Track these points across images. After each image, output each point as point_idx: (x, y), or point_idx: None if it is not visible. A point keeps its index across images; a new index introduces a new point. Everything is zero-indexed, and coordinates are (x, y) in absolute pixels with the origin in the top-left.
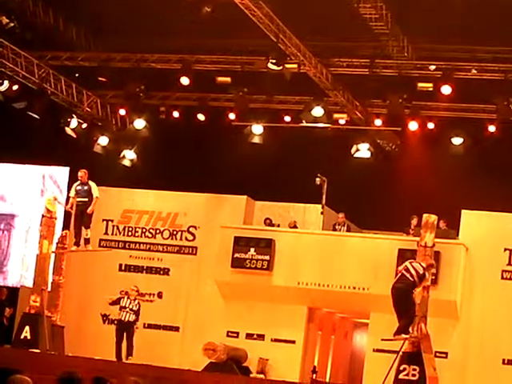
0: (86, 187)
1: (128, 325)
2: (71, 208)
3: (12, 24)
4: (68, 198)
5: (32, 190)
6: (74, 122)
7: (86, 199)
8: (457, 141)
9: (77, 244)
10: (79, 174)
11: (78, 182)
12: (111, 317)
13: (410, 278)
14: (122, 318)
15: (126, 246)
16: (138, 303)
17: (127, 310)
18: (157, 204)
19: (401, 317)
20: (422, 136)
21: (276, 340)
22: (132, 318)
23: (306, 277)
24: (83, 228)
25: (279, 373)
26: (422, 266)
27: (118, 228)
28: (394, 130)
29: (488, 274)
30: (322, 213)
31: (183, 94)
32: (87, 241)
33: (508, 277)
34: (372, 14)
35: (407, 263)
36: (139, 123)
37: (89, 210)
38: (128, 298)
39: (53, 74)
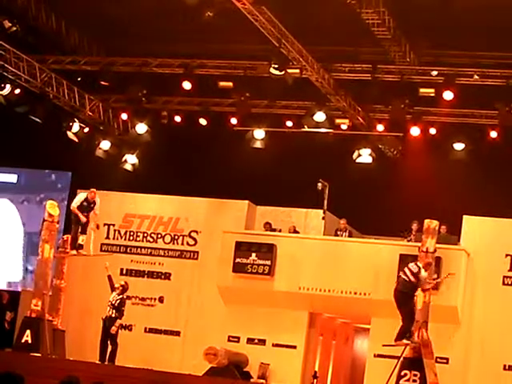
0: (91, 205)
1: (108, 321)
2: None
3: (14, 28)
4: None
5: None
6: (75, 126)
7: (88, 214)
8: (458, 146)
9: (74, 248)
10: (91, 194)
11: (85, 198)
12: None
13: (407, 279)
14: (106, 313)
15: (128, 251)
16: (121, 299)
17: (109, 304)
18: (158, 208)
19: (403, 320)
20: (423, 141)
21: (277, 345)
22: (112, 313)
23: (308, 282)
24: (81, 235)
25: (280, 378)
26: (417, 265)
27: (119, 232)
28: (395, 135)
29: (489, 279)
30: (323, 218)
31: (185, 99)
32: (81, 246)
33: (509, 283)
34: (374, 19)
35: (406, 267)
36: (141, 128)
37: (92, 228)
38: (115, 292)
39: (55, 77)
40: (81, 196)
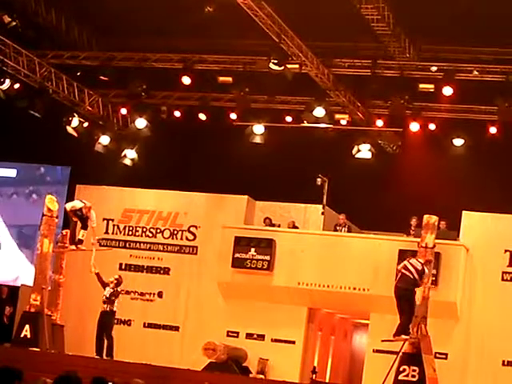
0: (84, 216)
1: (102, 315)
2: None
3: (14, 23)
4: (70, 196)
5: None
6: (75, 121)
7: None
8: (458, 142)
9: (73, 243)
10: (86, 208)
11: (80, 208)
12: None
13: (411, 276)
14: (102, 308)
15: (127, 246)
16: (114, 291)
17: (103, 298)
18: (157, 203)
19: (402, 316)
20: (423, 137)
21: (276, 340)
22: (106, 306)
23: (307, 277)
24: (81, 230)
25: (279, 373)
26: (419, 261)
27: (118, 227)
28: (395, 130)
29: (488, 275)
30: (322, 213)
31: (185, 94)
32: (81, 241)
33: (508, 278)
34: (374, 14)
35: (405, 262)
36: (140, 122)
37: (92, 242)
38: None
39: (54, 72)
40: (76, 203)
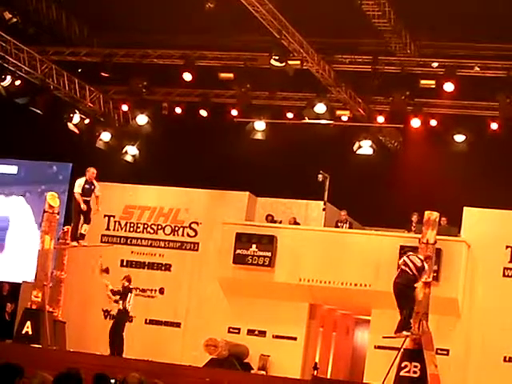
0: (92, 186)
1: (117, 314)
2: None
3: (15, 19)
4: (72, 193)
5: None
6: (76, 118)
7: (90, 198)
8: (459, 138)
9: (74, 239)
10: (91, 173)
11: (85, 180)
12: (113, 312)
13: (410, 272)
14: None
15: (128, 242)
16: (125, 286)
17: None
18: (159, 200)
19: (402, 312)
20: (424, 133)
21: (277, 336)
22: (120, 304)
23: (308, 273)
24: (84, 224)
25: (280, 369)
26: (419, 258)
27: (119, 223)
28: (396, 126)
29: (490, 271)
30: (324, 209)
31: (186, 90)
32: (83, 236)
33: (510, 274)
34: (375, 10)
35: (405, 257)
36: (142, 119)
37: (93, 212)
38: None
39: (55, 69)
40: (80, 181)
